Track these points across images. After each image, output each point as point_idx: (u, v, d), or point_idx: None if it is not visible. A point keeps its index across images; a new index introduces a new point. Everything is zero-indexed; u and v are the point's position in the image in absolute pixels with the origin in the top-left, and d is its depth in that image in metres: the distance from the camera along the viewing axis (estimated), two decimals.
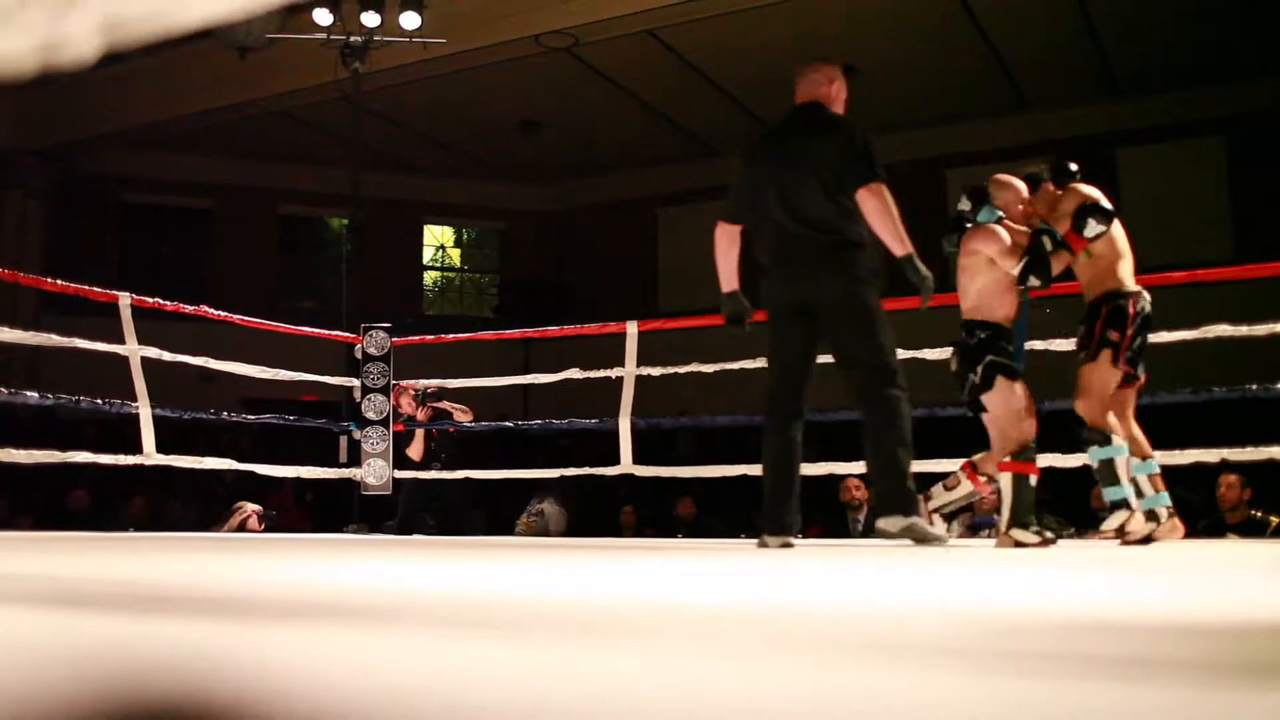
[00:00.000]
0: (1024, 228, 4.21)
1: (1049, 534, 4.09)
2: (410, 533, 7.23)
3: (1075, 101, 12.19)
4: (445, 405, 7.68)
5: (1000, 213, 4.26)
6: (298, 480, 8.25)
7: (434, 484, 7.39)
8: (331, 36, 9.49)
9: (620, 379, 6.23)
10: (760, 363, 5.91)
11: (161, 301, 6.12)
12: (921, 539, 3.54)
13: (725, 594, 1.83)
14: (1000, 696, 0.76)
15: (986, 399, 4.14)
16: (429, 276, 15.99)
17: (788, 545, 3.64)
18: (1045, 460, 4.94)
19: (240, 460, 6.94)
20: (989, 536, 6.65)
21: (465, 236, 16.20)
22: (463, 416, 7.64)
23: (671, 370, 6.19)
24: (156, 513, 9.66)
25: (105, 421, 10.44)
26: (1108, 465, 4.00)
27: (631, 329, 6.20)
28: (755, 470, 6.06)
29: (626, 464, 6.17)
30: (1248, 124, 11.75)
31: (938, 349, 5.22)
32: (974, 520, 6.96)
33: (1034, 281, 4.06)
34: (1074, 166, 4.30)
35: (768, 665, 0.89)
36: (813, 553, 3.60)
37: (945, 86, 11.89)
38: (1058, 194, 4.24)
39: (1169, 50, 11.06)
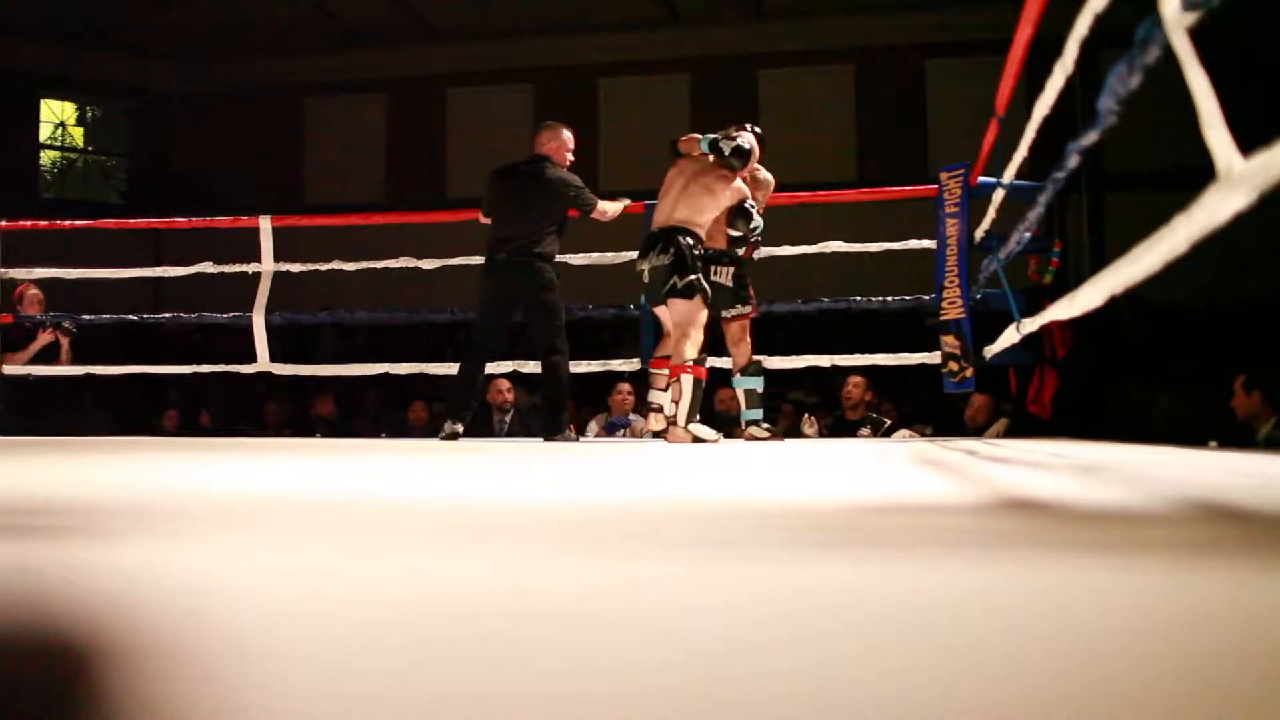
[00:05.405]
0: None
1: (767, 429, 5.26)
2: (10, 433, 6.66)
3: (721, 20, 12.68)
4: (64, 344, 6.95)
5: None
6: None
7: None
8: None
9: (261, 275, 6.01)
10: (404, 261, 5.97)
11: None
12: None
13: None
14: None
15: (684, 304, 4.66)
16: (46, 156, 14.57)
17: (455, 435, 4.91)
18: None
19: None
20: (624, 436, 7.01)
21: (90, 115, 14.85)
22: (64, 358, 6.94)
23: (312, 267, 6.04)
24: None
25: None
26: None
27: (265, 224, 5.97)
28: (398, 369, 6.11)
29: (263, 361, 6.00)
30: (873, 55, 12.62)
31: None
32: (610, 421, 7.28)
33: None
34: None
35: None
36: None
37: None
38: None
39: None
